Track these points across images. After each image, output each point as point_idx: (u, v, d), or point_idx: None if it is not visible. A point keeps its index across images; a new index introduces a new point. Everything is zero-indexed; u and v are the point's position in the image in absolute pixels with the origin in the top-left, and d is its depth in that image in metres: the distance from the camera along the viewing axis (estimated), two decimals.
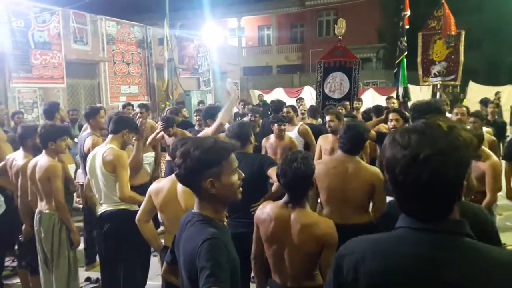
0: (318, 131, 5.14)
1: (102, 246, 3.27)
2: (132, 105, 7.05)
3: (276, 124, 4.57)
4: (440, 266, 0.95)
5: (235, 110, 9.62)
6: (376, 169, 2.96)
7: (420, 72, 10.24)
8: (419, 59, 10.29)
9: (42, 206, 3.40)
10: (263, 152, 4.61)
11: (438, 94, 9.48)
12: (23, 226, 3.61)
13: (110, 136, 3.32)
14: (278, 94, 15.49)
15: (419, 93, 10.34)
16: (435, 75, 10.00)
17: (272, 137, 4.67)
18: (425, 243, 0.98)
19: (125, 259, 3.19)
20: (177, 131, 4.67)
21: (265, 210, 2.30)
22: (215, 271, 1.37)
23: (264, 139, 4.74)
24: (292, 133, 4.96)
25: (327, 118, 4.64)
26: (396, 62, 9.72)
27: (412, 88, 10.76)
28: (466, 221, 1.02)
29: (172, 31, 12.33)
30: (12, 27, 8.75)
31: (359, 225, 2.78)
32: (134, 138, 3.52)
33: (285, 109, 5.45)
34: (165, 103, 11.91)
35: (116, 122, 3.36)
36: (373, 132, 3.91)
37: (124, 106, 7.18)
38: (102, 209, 3.26)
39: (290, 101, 9.89)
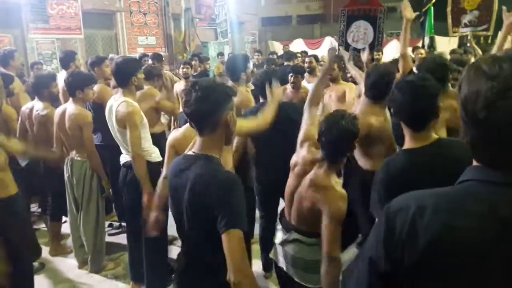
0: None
1: (126, 195, 3.19)
2: (148, 55, 6.91)
3: (289, 75, 4.51)
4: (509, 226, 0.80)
5: (252, 61, 9.33)
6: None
7: (449, 21, 9.70)
8: (448, 8, 9.71)
9: (73, 153, 3.42)
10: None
11: (468, 45, 9.02)
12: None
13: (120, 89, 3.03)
14: (298, 45, 15.04)
15: (447, 45, 9.85)
16: (466, 25, 9.46)
17: (288, 87, 4.59)
18: (493, 199, 0.81)
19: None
20: None
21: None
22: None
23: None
24: (312, 84, 4.84)
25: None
26: (423, 10, 9.26)
27: (439, 39, 10.22)
28: None
29: None
30: None
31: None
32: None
33: (307, 59, 5.30)
34: (183, 54, 11.73)
35: (119, 72, 2.98)
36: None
37: (140, 58, 7.00)
38: (124, 158, 3.15)
39: (310, 52, 9.59)
